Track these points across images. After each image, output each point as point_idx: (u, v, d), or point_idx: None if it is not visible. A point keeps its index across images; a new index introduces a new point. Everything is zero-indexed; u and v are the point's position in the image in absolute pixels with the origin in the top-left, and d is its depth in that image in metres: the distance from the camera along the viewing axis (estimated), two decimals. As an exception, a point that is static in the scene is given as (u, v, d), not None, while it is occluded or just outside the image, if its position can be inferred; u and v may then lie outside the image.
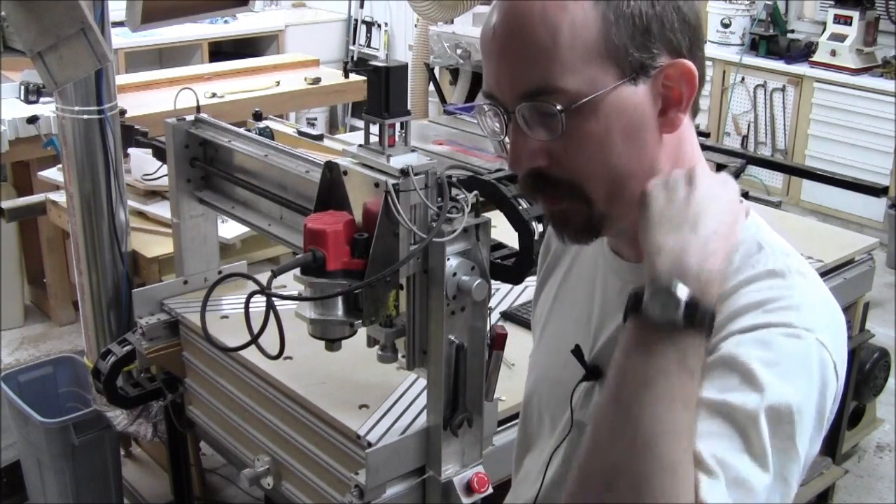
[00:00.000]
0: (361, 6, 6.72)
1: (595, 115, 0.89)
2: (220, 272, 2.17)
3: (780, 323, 0.86)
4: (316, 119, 6.13)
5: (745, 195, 3.27)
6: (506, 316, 2.06)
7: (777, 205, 3.43)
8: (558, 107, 0.88)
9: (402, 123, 1.43)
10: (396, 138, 1.43)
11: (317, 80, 4.40)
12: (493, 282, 1.47)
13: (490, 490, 1.56)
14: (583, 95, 0.88)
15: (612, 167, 0.91)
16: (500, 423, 1.71)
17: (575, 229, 0.96)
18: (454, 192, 1.41)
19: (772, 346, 0.85)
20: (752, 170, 4.84)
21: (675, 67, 0.90)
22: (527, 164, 0.93)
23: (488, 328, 1.47)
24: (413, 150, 1.44)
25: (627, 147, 0.91)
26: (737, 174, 3.41)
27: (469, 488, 1.54)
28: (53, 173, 3.10)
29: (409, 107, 1.44)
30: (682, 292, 0.82)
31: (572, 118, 0.88)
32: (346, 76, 4.47)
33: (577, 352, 1.06)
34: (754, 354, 0.84)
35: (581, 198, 0.93)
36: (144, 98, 3.78)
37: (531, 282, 1.54)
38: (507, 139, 0.94)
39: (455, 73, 4.87)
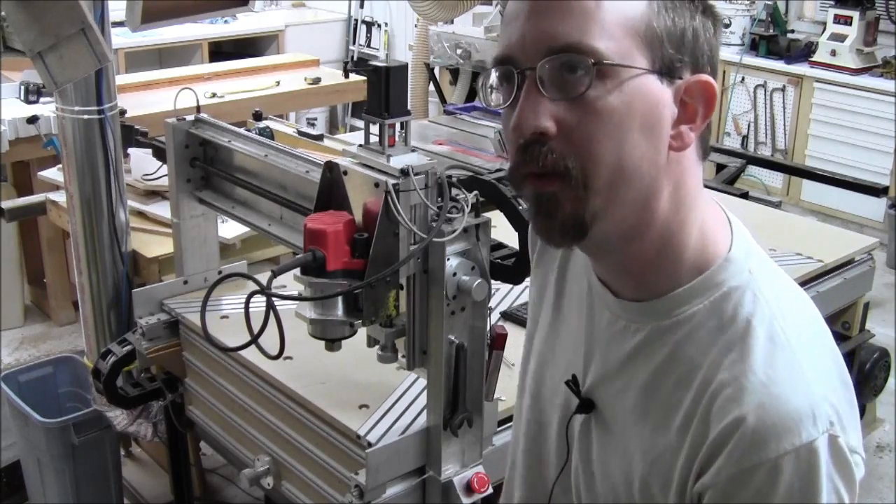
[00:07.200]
0: (361, 6, 6.72)
1: (620, 90, 0.85)
2: (220, 272, 2.17)
3: (777, 454, 0.84)
4: (316, 119, 6.13)
5: (745, 195, 3.26)
6: (506, 316, 2.06)
7: (777, 205, 3.42)
8: (591, 60, 0.83)
9: (402, 123, 1.43)
10: (396, 138, 1.43)
11: (317, 80, 4.40)
12: (493, 282, 1.47)
13: (490, 490, 1.55)
14: (612, 60, 0.84)
15: (623, 155, 0.86)
16: (500, 423, 1.71)
17: (562, 221, 0.88)
18: (454, 192, 1.41)
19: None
20: (752, 170, 4.83)
21: (697, 82, 0.89)
22: (533, 124, 0.85)
23: (488, 328, 1.47)
24: (413, 150, 1.44)
25: (642, 140, 0.86)
26: (737, 174, 3.42)
27: (469, 488, 1.54)
28: (53, 173, 3.10)
29: (409, 107, 1.44)
30: None
31: (597, 86, 0.84)
32: (346, 76, 4.47)
33: (572, 382, 1.03)
34: None
35: (579, 182, 0.86)
36: (144, 98, 3.78)
37: (531, 282, 1.53)
38: (510, 106, 0.88)
39: (455, 73, 4.85)
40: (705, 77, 0.89)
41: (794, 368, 0.88)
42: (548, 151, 0.86)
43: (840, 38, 5.12)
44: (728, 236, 0.96)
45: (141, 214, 2.79)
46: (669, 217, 0.91)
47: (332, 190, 1.46)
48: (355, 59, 6.59)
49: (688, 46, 0.88)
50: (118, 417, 2.39)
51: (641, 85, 0.86)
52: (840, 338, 2.72)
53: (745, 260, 0.94)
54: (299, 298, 1.37)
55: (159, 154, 2.62)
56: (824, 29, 5.27)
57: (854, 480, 0.87)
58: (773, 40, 5.46)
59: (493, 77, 0.91)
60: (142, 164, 2.84)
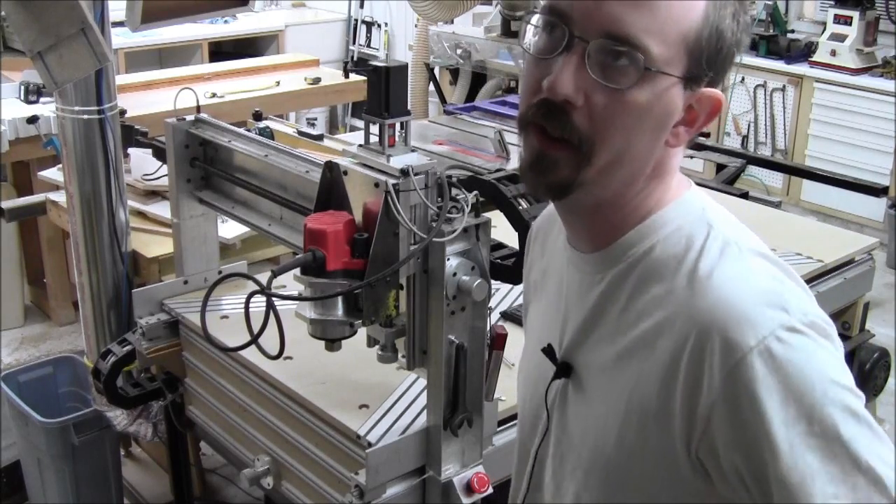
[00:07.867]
0: (361, 6, 6.72)
1: (652, 92, 0.89)
2: (220, 272, 2.17)
3: (764, 336, 0.86)
4: (316, 119, 6.13)
5: (745, 195, 3.25)
6: (506, 316, 2.05)
7: (777, 205, 3.42)
8: (642, 59, 0.87)
9: (402, 123, 1.43)
10: (396, 138, 1.43)
11: (317, 80, 4.40)
12: (493, 282, 1.47)
13: (490, 490, 1.56)
14: (659, 66, 0.88)
15: (629, 146, 0.92)
16: (500, 423, 1.71)
17: (554, 180, 0.94)
18: (454, 192, 1.41)
19: (784, 366, 0.85)
20: (752, 170, 4.83)
21: (711, 97, 0.94)
22: (568, 93, 0.89)
23: (488, 328, 1.47)
24: (413, 150, 1.44)
25: (649, 138, 0.92)
26: (737, 174, 3.41)
27: (469, 488, 1.54)
28: (53, 173, 3.10)
29: (409, 107, 1.45)
30: None
31: (638, 83, 0.88)
32: (346, 76, 4.48)
33: (548, 350, 1.06)
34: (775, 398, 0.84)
35: (584, 155, 0.91)
36: (144, 98, 3.78)
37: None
38: (547, 60, 0.91)
39: (455, 73, 4.86)
40: (719, 94, 0.94)
41: (750, 269, 0.91)
42: (568, 122, 0.90)
43: (840, 38, 5.12)
44: (687, 189, 1.00)
45: (141, 214, 2.79)
46: (643, 192, 0.97)
47: (332, 190, 1.46)
48: (355, 59, 6.59)
49: (719, 63, 0.93)
50: (118, 417, 2.39)
51: (670, 92, 0.91)
52: (840, 338, 2.72)
53: (698, 202, 0.99)
54: (299, 298, 1.38)
55: (159, 154, 2.62)
56: (824, 29, 5.27)
57: (840, 348, 0.92)
58: (773, 40, 5.46)
59: (539, 20, 0.94)
60: (142, 164, 2.84)
